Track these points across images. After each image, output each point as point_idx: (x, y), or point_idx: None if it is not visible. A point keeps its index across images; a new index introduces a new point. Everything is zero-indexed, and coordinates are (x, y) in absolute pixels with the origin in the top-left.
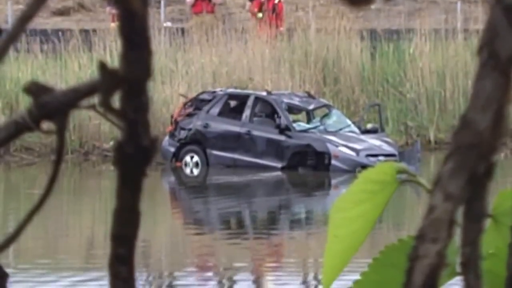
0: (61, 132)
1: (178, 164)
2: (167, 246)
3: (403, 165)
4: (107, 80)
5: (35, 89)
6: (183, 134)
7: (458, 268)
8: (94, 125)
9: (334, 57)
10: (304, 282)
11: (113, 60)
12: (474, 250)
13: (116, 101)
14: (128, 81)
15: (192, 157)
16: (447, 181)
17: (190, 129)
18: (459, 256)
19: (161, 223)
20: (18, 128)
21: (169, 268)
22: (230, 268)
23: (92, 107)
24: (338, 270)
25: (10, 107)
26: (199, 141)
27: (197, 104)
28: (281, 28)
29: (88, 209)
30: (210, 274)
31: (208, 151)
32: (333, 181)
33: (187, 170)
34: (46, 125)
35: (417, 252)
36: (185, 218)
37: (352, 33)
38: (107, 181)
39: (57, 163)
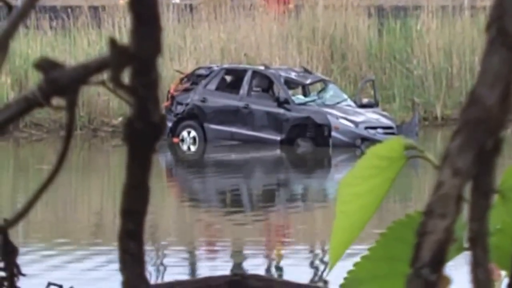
0: (71, 107)
1: (175, 139)
2: (164, 224)
3: (411, 140)
4: (117, 56)
5: (45, 65)
6: (180, 109)
7: (465, 244)
8: (103, 101)
9: (341, 34)
10: (310, 259)
11: (122, 36)
12: (481, 226)
13: (125, 77)
14: (138, 57)
15: (189, 132)
16: (455, 157)
17: (187, 104)
18: (467, 231)
19: (157, 201)
20: (28, 104)
21: (166, 245)
22: (227, 245)
23: (102, 83)
24: (346, 246)
25: (19, 84)
26: (196, 116)
27: (193, 79)
28: (289, 5)
29: (97, 185)
30: (207, 250)
31: (206, 125)
32: (333, 159)
33: (184, 146)
34: (56, 101)
35: (425, 227)
36: (182, 195)
37: (360, 10)
38: (116, 157)
39: (67, 138)
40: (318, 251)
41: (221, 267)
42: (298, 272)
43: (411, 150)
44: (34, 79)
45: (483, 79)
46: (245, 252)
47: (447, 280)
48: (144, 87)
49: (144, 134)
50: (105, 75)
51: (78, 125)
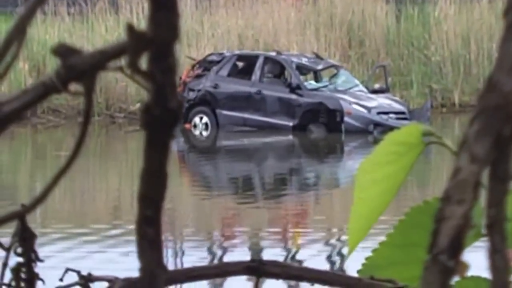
0: (89, 93)
1: (187, 125)
2: (177, 210)
3: (429, 126)
4: (135, 42)
5: (63, 51)
6: (192, 95)
7: (483, 230)
8: (121, 88)
9: (359, 20)
10: (323, 245)
11: (140, 22)
12: (499, 212)
13: (143, 63)
14: (155, 43)
15: (201, 118)
16: (473, 143)
17: (199, 90)
18: (485, 217)
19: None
20: (46, 90)
21: (176, 231)
22: (240, 230)
23: (120, 68)
24: (364, 232)
25: (37, 70)
26: (209, 102)
27: (205, 65)
28: None
29: (115, 171)
30: (220, 236)
31: (218, 111)
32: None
33: (197, 132)
34: (73, 87)
35: (442, 213)
36: (193, 181)
37: None
38: (133, 143)
39: (85, 124)
40: (332, 236)
41: (235, 253)
42: (312, 257)
43: (429, 136)
44: (52, 65)
45: (501, 65)
46: (259, 238)
47: (465, 266)
48: (161, 73)
49: (161, 120)
50: (122, 61)
51: (96, 111)
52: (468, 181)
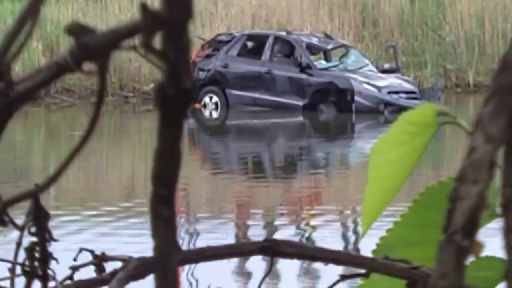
0: (102, 73)
1: (197, 105)
2: (186, 190)
3: (443, 107)
4: (148, 21)
5: (76, 30)
6: (201, 75)
7: (498, 210)
8: (134, 68)
9: (373, 0)
10: (340, 224)
11: (153, 2)
12: None
13: (157, 42)
14: (169, 22)
15: (211, 98)
16: (488, 123)
17: (209, 70)
18: (500, 197)
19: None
20: (59, 69)
21: (189, 211)
22: (251, 211)
23: (133, 48)
24: (378, 212)
25: (50, 49)
26: (218, 82)
27: (215, 45)
28: None
29: (128, 150)
30: (228, 217)
31: (228, 91)
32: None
33: (206, 112)
34: (87, 66)
35: (457, 193)
36: (203, 161)
37: None
38: (147, 123)
39: (98, 104)
40: (344, 216)
41: (247, 233)
42: (325, 238)
43: (443, 116)
44: (65, 45)
45: None
46: (271, 218)
47: (480, 246)
48: (175, 52)
49: (175, 100)
50: (136, 40)
51: (110, 91)
52: (483, 160)
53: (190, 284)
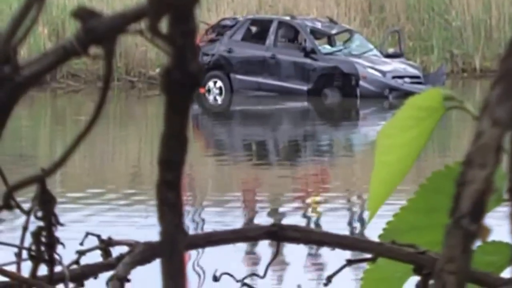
0: (108, 57)
1: (201, 90)
2: (190, 176)
3: (450, 91)
4: (155, 5)
5: (83, 14)
6: (205, 59)
7: (505, 194)
8: (141, 52)
9: None
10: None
11: None
12: None
13: (163, 26)
14: (176, 6)
15: (215, 83)
16: (495, 107)
17: (213, 55)
18: (506, 182)
19: None
20: (66, 53)
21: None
22: (256, 195)
23: (140, 32)
24: (384, 197)
25: (56, 34)
26: (223, 66)
27: (219, 30)
28: None
29: (134, 135)
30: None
31: (232, 76)
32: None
33: (211, 97)
34: (93, 50)
35: (464, 177)
36: (207, 145)
37: None
38: (153, 108)
39: (105, 89)
40: (348, 201)
41: (252, 218)
42: (329, 222)
43: (449, 101)
44: (72, 29)
45: None
46: (276, 203)
47: (487, 230)
48: (181, 36)
49: (181, 84)
50: (142, 25)
51: (116, 76)
52: (490, 145)
53: (196, 270)
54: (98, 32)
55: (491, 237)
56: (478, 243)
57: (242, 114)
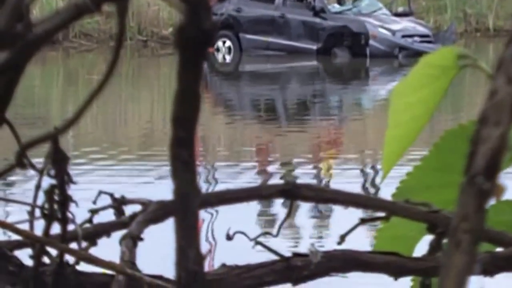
0: (121, 15)
1: (210, 49)
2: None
3: (464, 49)
4: None
5: None
6: (214, 19)
7: None
8: (153, 11)
9: None
10: (356, 168)
11: None
12: None
13: None
14: None
15: (224, 42)
16: (510, 64)
17: (222, 14)
18: None
19: None
20: (78, 11)
21: (202, 154)
22: (265, 155)
23: None
24: (398, 156)
25: None
26: (232, 26)
27: None
28: None
29: (147, 94)
30: (244, 162)
31: (241, 35)
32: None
33: (219, 56)
34: (106, 9)
35: (479, 135)
36: (216, 105)
37: None
38: (165, 67)
39: (117, 47)
40: (358, 161)
41: (259, 177)
42: (341, 182)
43: (463, 59)
44: None
45: None
46: (288, 163)
47: (501, 189)
48: None
49: (195, 41)
50: None
51: (128, 35)
52: (505, 102)
53: (209, 229)
54: None
55: (506, 196)
56: (492, 201)
57: (251, 74)
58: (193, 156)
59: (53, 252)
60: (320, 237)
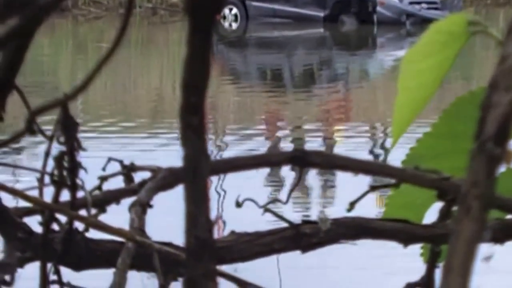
0: None
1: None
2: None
3: (474, 16)
4: None
5: None
6: None
7: None
8: None
9: None
10: (365, 136)
11: None
12: None
13: None
14: None
15: (230, 9)
16: None
17: None
18: None
19: None
20: None
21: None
22: (273, 123)
23: None
24: (408, 122)
25: None
26: None
27: None
28: None
29: (156, 61)
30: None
31: (248, 2)
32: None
33: (226, 24)
34: None
35: (489, 101)
36: (223, 73)
37: None
38: (174, 34)
39: (127, 15)
40: (367, 128)
41: (269, 145)
42: (349, 149)
43: (474, 26)
44: None
45: None
46: (295, 130)
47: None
48: None
49: (205, 5)
50: None
51: (137, 3)
52: None
53: (219, 194)
54: None
55: None
56: (503, 167)
57: (257, 41)
58: (203, 122)
59: (63, 219)
60: (329, 204)
